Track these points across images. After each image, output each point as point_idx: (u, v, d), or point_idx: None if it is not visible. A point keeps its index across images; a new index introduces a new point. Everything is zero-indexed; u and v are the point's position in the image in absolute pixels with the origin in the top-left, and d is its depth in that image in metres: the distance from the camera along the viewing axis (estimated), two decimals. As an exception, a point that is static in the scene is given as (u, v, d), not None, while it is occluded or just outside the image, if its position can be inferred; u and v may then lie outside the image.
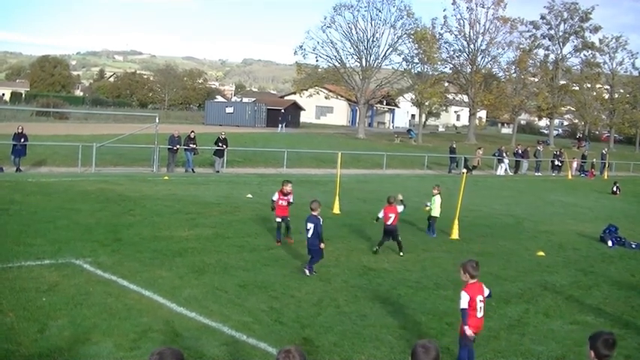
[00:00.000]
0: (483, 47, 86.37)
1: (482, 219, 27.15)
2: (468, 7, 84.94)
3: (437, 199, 22.60)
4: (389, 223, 18.46)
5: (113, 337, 10.52)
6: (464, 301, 9.67)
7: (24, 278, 13.36)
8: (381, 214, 18.67)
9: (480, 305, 9.79)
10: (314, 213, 15.66)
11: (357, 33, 78.76)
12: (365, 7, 78.05)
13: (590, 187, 49.29)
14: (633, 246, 22.84)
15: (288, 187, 19.16)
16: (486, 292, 10.02)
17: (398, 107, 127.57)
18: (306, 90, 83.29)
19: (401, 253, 18.45)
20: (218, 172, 39.90)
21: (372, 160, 52.92)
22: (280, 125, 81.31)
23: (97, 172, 34.32)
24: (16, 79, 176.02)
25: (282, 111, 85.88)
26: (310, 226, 15.51)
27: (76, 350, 9.92)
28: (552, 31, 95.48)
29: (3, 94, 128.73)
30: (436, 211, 22.62)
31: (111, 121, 74.96)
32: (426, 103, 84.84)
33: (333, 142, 66.99)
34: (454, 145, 55.64)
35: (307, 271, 15.50)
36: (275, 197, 19.18)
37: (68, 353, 9.77)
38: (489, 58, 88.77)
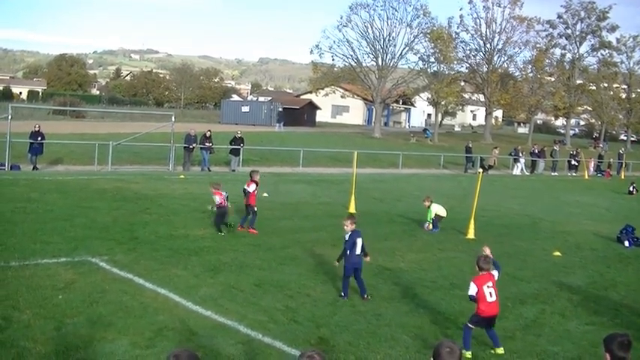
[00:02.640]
0: (500, 46, 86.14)
1: (499, 219, 27.05)
2: (484, 7, 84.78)
3: (433, 207, 22.96)
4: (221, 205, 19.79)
5: (129, 335, 10.56)
6: (471, 290, 10.95)
7: (40, 276, 13.43)
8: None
9: (488, 291, 10.92)
10: (352, 227, 13.87)
11: (373, 32, 78.77)
12: (381, 6, 78.07)
13: (607, 187, 49.04)
14: (650, 246, 22.69)
15: (258, 177, 21.04)
16: (495, 275, 11.20)
17: (414, 106, 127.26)
18: (322, 89, 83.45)
19: (221, 233, 19.44)
20: (234, 170, 39.95)
21: (388, 159, 52.87)
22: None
23: (114, 171, 34.46)
24: (34, 77, 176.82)
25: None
26: (359, 241, 13.75)
27: (92, 348, 9.96)
28: (569, 31, 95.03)
29: (20, 93, 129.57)
30: (442, 212, 23.07)
31: (127, 120, 75.16)
32: (442, 103, 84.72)
33: (349, 141, 66.98)
34: (470, 145, 55.51)
35: (367, 297, 13.82)
36: (252, 189, 20.30)
37: (84, 351, 9.81)
38: (506, 58, 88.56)
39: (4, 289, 12.37)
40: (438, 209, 23.02)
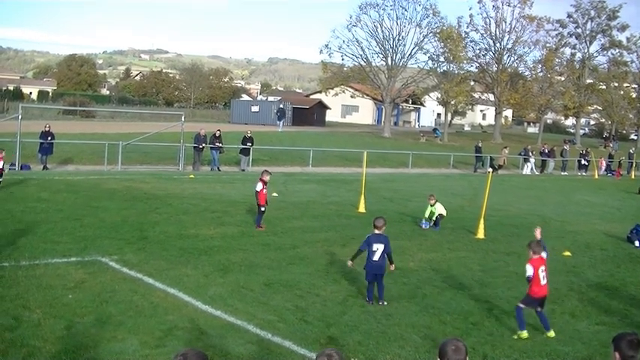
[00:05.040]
0: (509, 46, 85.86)
1: (508, 218, 26.96)
2: (494, 6, 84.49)
3: (437, 206, 23.12)
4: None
5: (139, 335, 10.58)
6: (529, 271, 11.95)
7: (50, 275, 13.48)
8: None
9: (542, 275, 11.99)
10: (378, 232, 13.77)
11: (382, 32, 78.72)
12: (391, 5, 77.95)
13: (617, 186, 48.81)
14: (661, 246, 22.56)
15: (268, 177, 21.18)
16: (544, 256, 12.31)
17: (424, 106, 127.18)
18: (332, 89, 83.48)
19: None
20: (244, 170, 39.99)
21: (397, 159, 52.82)
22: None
23: (123, 171, 34.52)
24: (44, 77, 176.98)
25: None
26: (377, 247, 13.56)
27: (102, 347, 9.97)
28: (579, 30, 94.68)
29: (30, 93, 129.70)
30: (444, 211, 23.25)
31: (137, 120, 75.33)
32: (452, 102, 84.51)
33: (358, 140, 66.95)
34: (480, 145, 55.38)
35: (382, 303, 13.50)
36: (259, 187, 20.61)
37: (94, 350, 9.83)
38: (515, 57, 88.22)
39: (14, 289, 12.42)
40: (441, 209, 23.09)
